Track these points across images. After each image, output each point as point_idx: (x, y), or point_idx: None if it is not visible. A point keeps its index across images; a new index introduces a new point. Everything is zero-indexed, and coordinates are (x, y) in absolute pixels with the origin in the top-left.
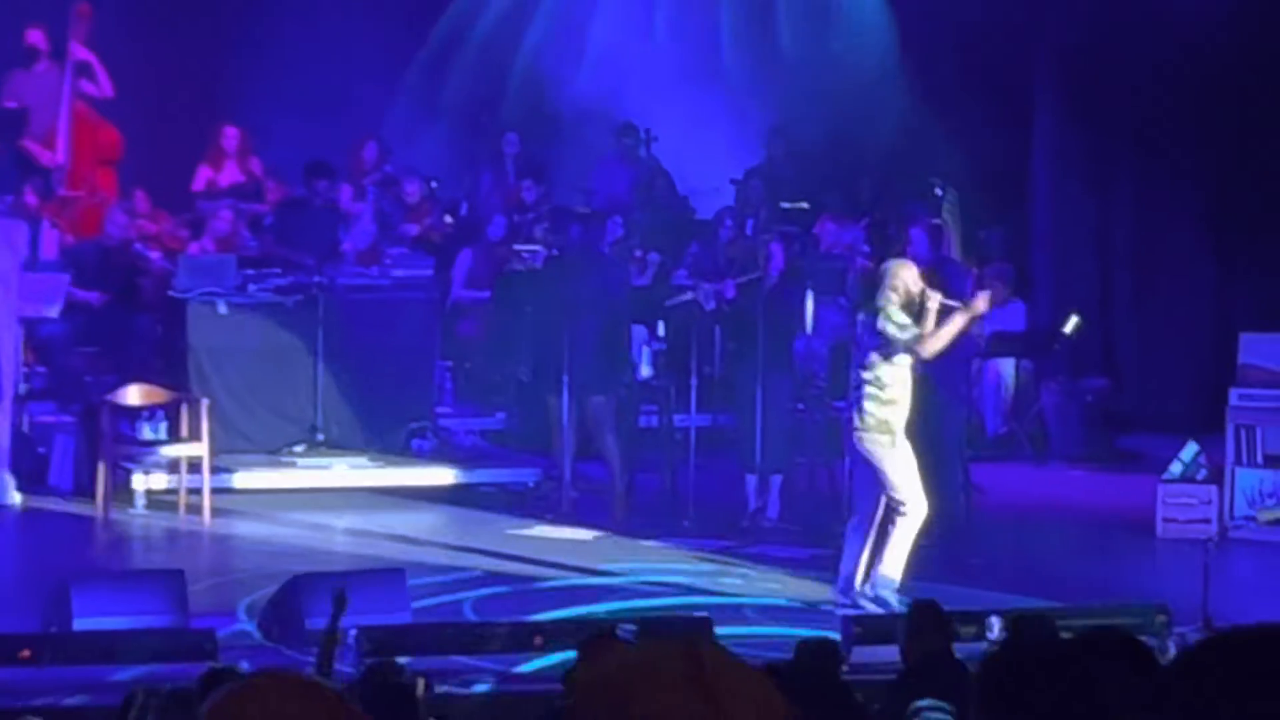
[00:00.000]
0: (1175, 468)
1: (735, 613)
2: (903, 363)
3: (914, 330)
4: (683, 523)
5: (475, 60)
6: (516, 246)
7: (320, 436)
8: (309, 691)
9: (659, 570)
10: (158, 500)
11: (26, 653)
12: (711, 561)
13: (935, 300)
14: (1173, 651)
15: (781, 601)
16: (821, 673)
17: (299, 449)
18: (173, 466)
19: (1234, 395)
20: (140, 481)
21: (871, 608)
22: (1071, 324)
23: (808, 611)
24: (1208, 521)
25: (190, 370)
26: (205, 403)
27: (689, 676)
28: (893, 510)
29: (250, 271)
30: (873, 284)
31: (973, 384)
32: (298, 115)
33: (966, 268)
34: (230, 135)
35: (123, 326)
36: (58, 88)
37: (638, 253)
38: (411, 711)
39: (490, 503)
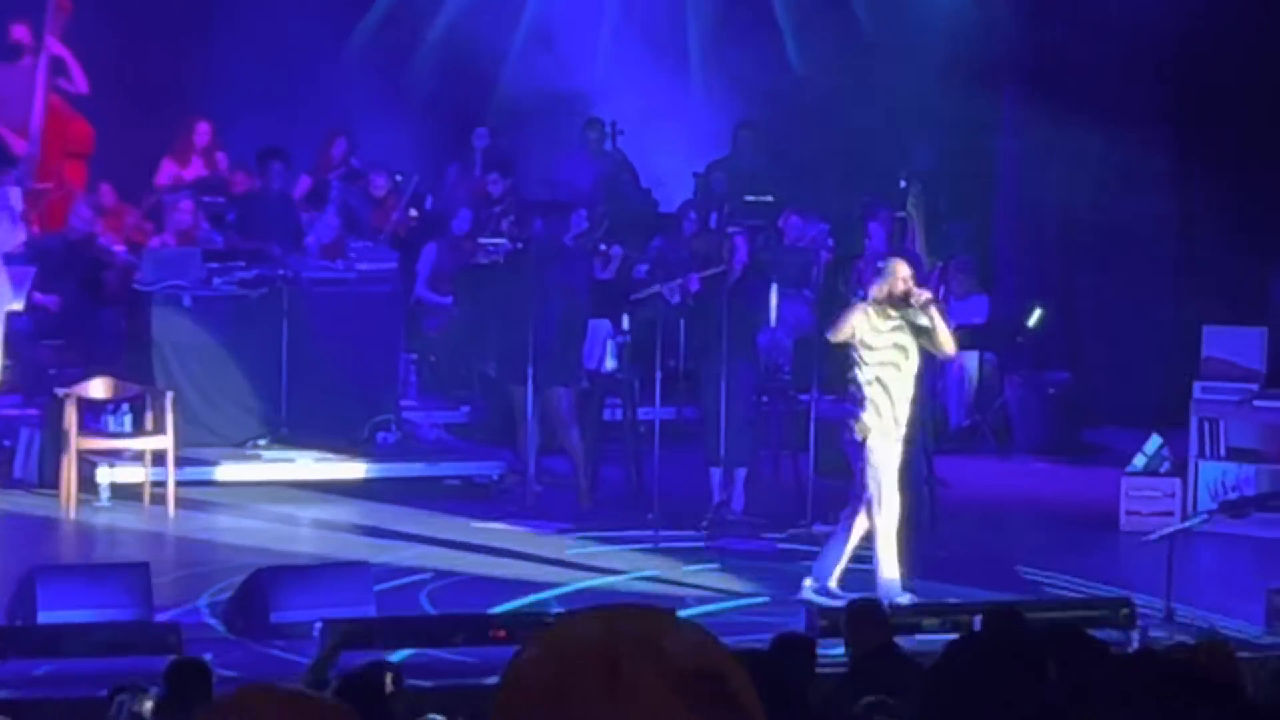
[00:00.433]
0: (1138, 461)
1: (700, 605)
2: (880, 360)
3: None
4: (647, 516)
5: (440, 52)
6: (482, 240)
7: (284, 430)
8: (300, 703)
9: (623, 563)
10: (123, 493)
11: None
12: (676, 554)
13: (922, 297)
14: (1136, 644)
15: (747, 593)
16: (793, 669)
17: (263, 442)
18: (138, 459)
19: (1197, 388)
20: (105, 475)
21: (833, 602)
22: (1035, 317)
23: (774, 604)
24: (1171, 514)
25: (155, 363)
26: (170, 396)
27: (603, 683)
28: (867, 508)
29: (214, 265)
30: (835, 276)
31: (936, 377)
32: (264, 109)
33: (931, 262)
34: (203, 131)
35: (87, 320)
36: (35, 80)
37: (601, 246)
38: (383, 710)
39: (454, 496)
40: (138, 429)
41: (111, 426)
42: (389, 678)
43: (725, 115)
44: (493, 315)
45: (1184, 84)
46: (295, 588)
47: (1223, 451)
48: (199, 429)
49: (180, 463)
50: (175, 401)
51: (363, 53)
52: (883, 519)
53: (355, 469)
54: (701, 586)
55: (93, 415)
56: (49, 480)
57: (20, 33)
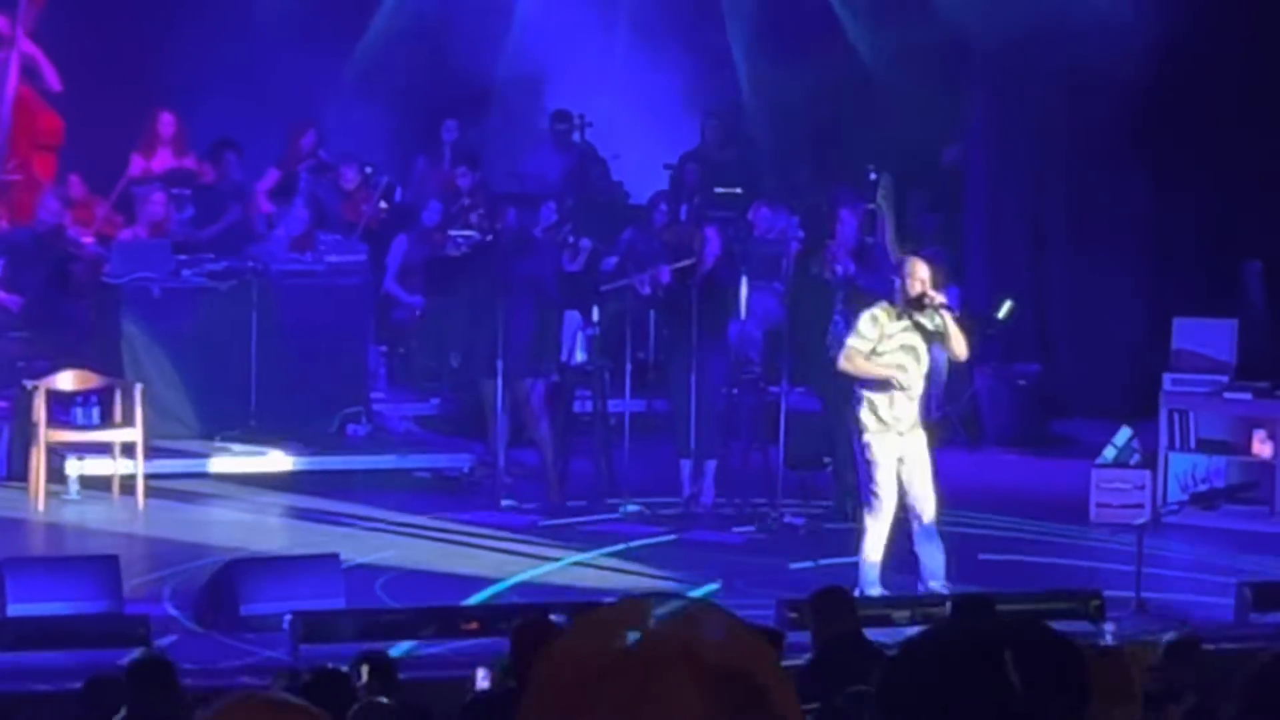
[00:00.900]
0: (1108, 452)
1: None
2: (887, 362)
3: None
4: (617, 508)
5: (410, 43)
6: (451, 232)
7: (254, 422)
8: (292, 713)
9: (593, 555)
10: (92, 486)
11: None
12: (644, 547)
13: (936, 300)
14: (1109, 639)
15: (716, 585)
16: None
17: (233, 434)
18: (107, 451)
19: (1167, 380)
20: (74, 467)
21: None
22: (1005, 309)
23: (742, 596)
24: (1141, 506)
25: (124, 356)
26: (139, 388)
27: (636, 687)
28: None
29: (184, 257)
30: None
31: None
32: (233, 101)
33: (900, 253)
34: (166, 122)
35: (56, 312)
36: (5, 72)
37: (570, 239)
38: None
39: (424, 488)
40: (107, 421)
41: (80, 419)
42: (364, 669)
43: (695, 106)
44: (462, 308)
45: (1156, 76)
46: (265, 580)
47: (1193, 443)
48: (168, 421)
49: (149, 455)
50: (144, 394)
51: (331, 43)
52: (875, 516)
53: (325, 461)
54: (670, 578)
55: (61, 407)
56: (17, 473)
57: (1, 25)
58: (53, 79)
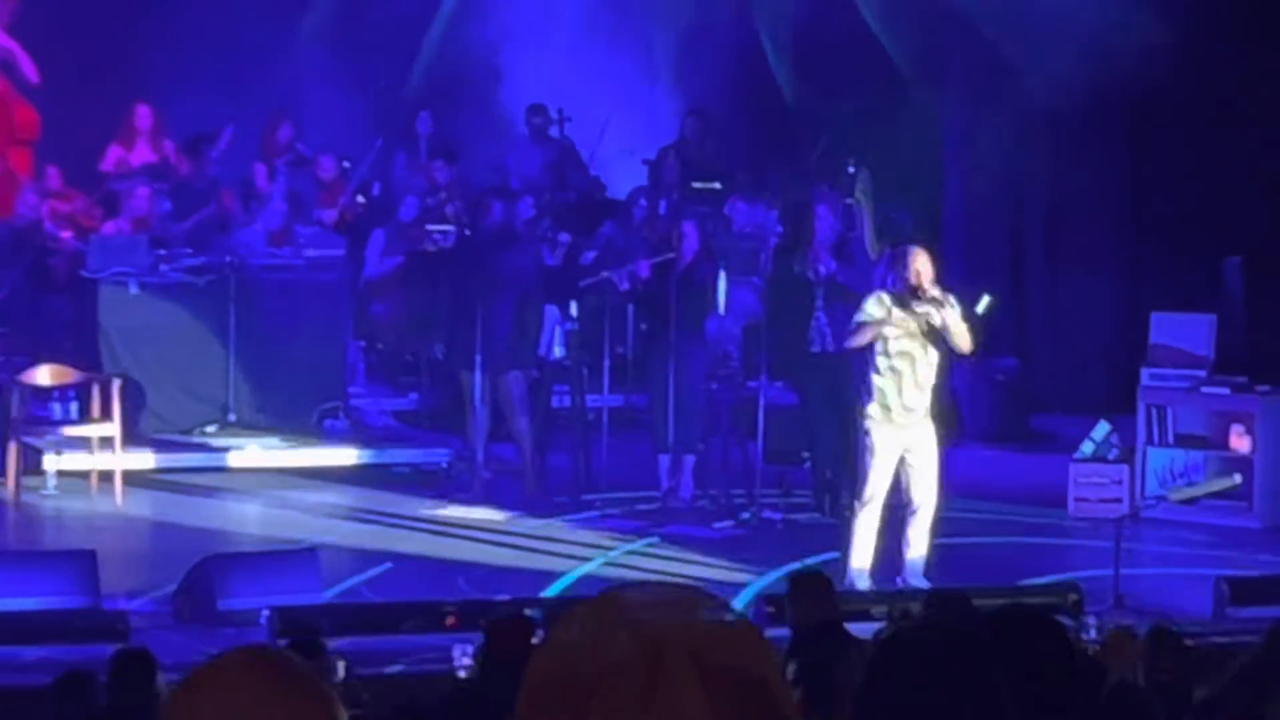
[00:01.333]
0: (1086, 447)
1: None
2: (894, 350)
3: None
4: (595, 503)
5: (387, 35)
6: (429, 227)
7: (232, 417)
8: (275, 670)
9: (571, 550)
10: (69, 480)
11: None
12: (623, 541)
13: (929, 293)
14: (1094, 633)
15: (694, 580)
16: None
17: (211, 429)
18: (85, 446)
19: (1145, 375)
20: (52, 462)
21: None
22: (983, 303)
23: (721, 591)
24: (1119, 501)
25: (102, 350)
26: (117, 383)
27: (641, 691)
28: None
29: (162, 251)
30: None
31: None
32: (211, 94)
33: (880, 248)
34: (143, 114)
35: (34, 307)
36: None
37: (549, 233)
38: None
39: (403, 483)
40: (85, 416)
41: (58, 413)
42: (341, 665)
43: (675, 102)
44: (445, 301)
45: (1133, 73)
46: (243, 575)
47: (1170, 438)
48: (146, 416)
49: (127, 449)
50: (122, 388)
51: (309, 35)
52: (863, 507)
53: (303, 456)
54: (647, 572)
55: (39, 402)
56: None
57: None
58: (30, 71)
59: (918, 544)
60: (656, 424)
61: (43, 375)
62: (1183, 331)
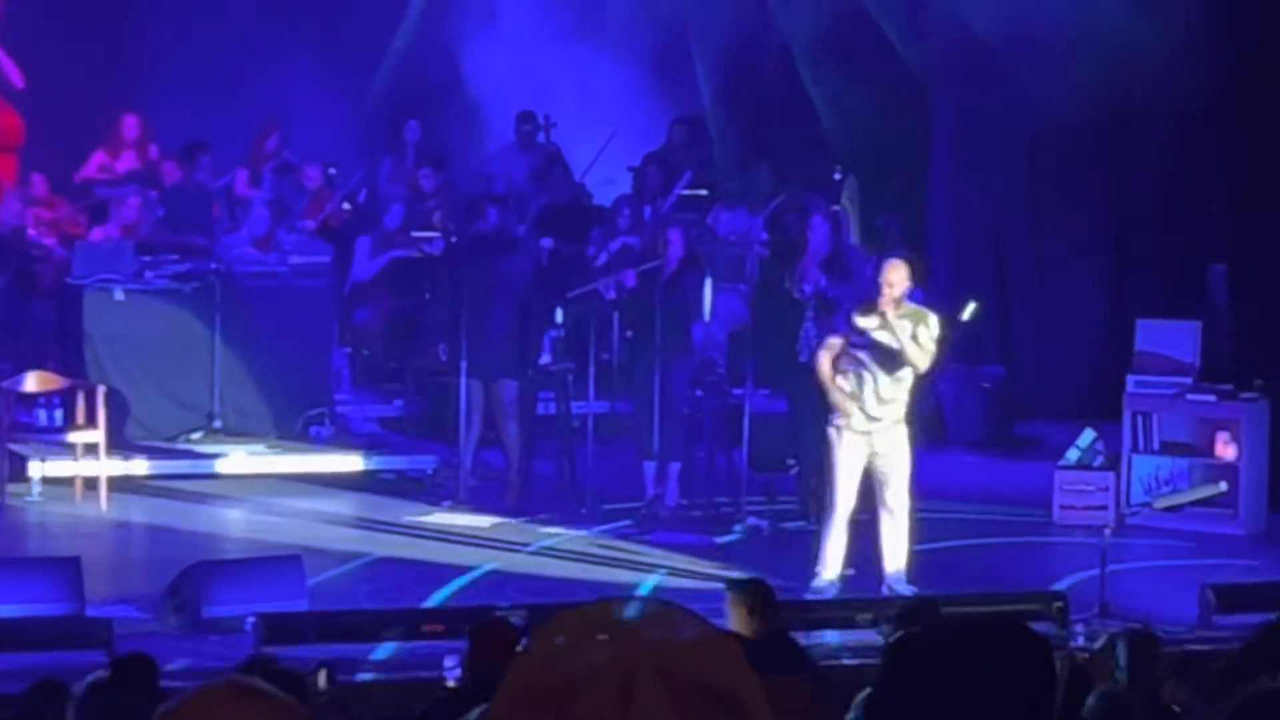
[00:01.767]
0: (1072, 454)
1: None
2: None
3: None
4: (580, 509)
5: (375, 43)
6: (415, 234)
7: (218, 423)
8: (262, 703)
9: (556, 557)
10: (54, 487)
11: None
12: (609, 548)
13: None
14: (1080, 640)
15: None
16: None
17: (196, 436)
18: (70, 453)
19: (1131, 382)
20: (37, 468)
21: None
22: (969, 311)
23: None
24: (1104, 508)
25: (87, 357)
26: (102, 389)
27: (613, 706)
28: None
29: (147, 258)
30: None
31: None
32: (197, 101)
33: (866, 254)
34: (130, 124)
35: (19, 313)
36: None
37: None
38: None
39: (388, 490)
40: (70, 423)
41: (43, 420)
42: (323, 673)
43: (661, 109)
44: (443, 307)
45: (1117, 79)
46: (228, 582)
47: (1156, 445)
48: (131, 423)
49: (112, 456)
50: (107, 395)
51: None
52: (831, 516)
53: (289, 462)
54: (632, 581)
55: (24, 409)
56: None
57: None
58: (15, 77)
59: (897, 550)
60: (642, 431)
61: (28, 382)
62: (1168, 338)
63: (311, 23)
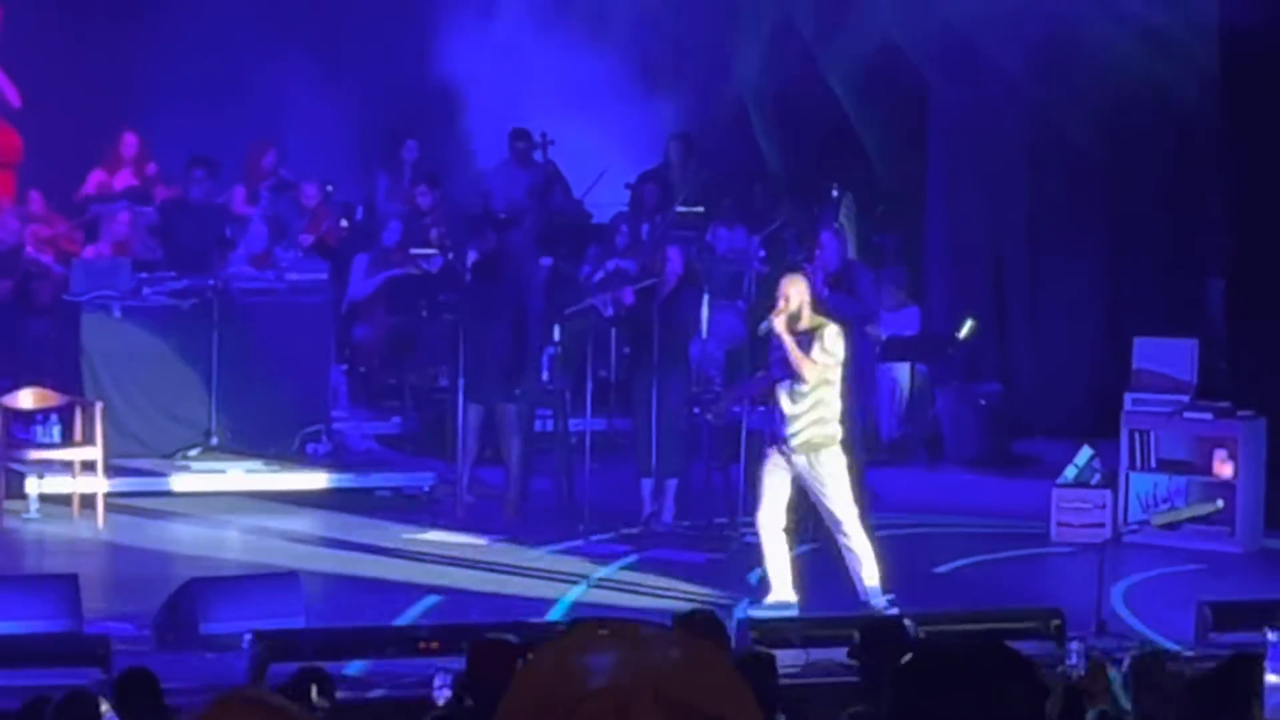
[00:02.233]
0: (1069, 472)
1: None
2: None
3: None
4: (578, 527)
5: (372, 60)
6: (413, 251)
7: (214, 440)
8: (277, 713)
9: (553, 575)
10: (52, 504)
11: None
12: (606, 566)
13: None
14: (1075, 659)
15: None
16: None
17: (193, 453)
18: (67, 470)
19: (1128, 400)
20: (34, 485)
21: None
22: (966, 328)
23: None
24: (1102, 526)
25: (84, 374)
26: (99, 406)
27: None
28: None
29: (144, 275)
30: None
31: (870, 390)
32: (195, 118)
33: (869, 269)
34: (129, 143)
35: (16, 330)
36: None
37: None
38: None
39: (385, 507)
40: (67, 439)
41: (40, 437)
42: (314, 689)
43: (659, 125)
44: (444, 327)
45: (1114, 96)
46: (225, 599)
47: (1153, 463)
48: (128, 439)
49: (110, 473)
50: (105, 412)
51: (293, 61)
52: (760, 531)
53: (286, 480)
54: (630, 599)
55: (22, 426)
56: None
57: None
58: (13, 96)
59: (860, 569)
60: (639, 448)
61: (25, 399)
62: (1165, 356)
63: (309, 41)
